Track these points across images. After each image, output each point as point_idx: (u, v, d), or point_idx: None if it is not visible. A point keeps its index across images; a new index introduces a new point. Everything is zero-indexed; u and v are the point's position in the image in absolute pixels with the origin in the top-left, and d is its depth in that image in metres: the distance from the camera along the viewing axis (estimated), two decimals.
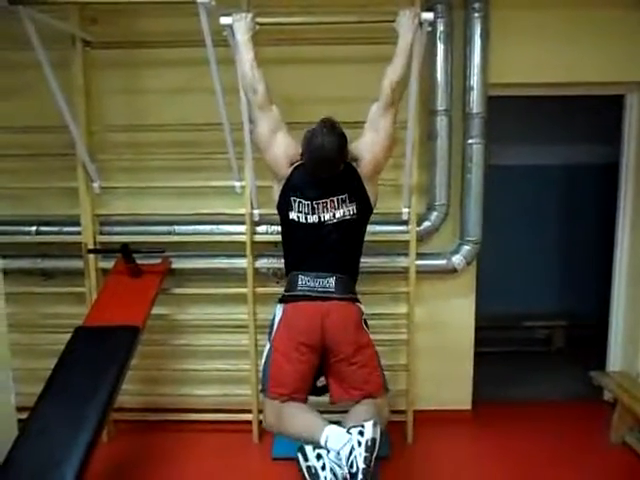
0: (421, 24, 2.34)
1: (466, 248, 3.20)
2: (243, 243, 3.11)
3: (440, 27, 2.95)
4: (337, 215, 2.19)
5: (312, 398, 2.30)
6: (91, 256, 3.14)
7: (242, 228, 3.12)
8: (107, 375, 2.41)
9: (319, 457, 1.83)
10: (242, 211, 3.10)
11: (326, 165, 2.16)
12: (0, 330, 2.41)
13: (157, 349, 3.32)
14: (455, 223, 3.24)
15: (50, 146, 3.13)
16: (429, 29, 2.49)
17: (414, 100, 2.65)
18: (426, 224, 3.19)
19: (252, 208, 3.11)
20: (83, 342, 2.58)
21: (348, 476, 1.77)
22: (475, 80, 3.01)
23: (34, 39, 2.47)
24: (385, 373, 3.25)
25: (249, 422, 3.25)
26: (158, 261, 3.10)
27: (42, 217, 3.22)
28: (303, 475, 1.85)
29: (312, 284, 2.20)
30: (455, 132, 3.11)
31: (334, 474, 1.81)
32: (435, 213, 3.18)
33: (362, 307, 2.31)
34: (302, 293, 2.21)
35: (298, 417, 2.08)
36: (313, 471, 1.82)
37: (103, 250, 3.17)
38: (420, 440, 3.22)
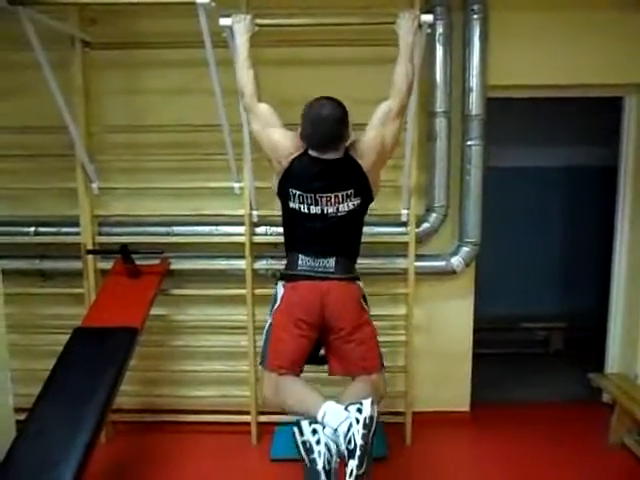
0: (420, 26, 2.34)
1: (465, 250, 3.20)
2: (242, 244, 3.11)
3: (439, 29, 2.95)
4: (341, 209, 2.17)
5: (311, 375, 2.32)
6: (90, 257, 3.14)
7: (241, 229, 3.12)
8: (105, 376, 2.41)
9: (314, 432, 1.84)
10: (241, 212, 3.10)
11: (328, 129, 2.10)
12: None
13: (156, 350, 3.31)
14: (454, 225, 3.25)
15: (49, 147, 3.13)
16: (428, 31, 2.49)
17: (413, 102, 2.64)
18: (425, 225, 3.19)
19: (251, 209, 3.11)
20: (82, 343, 2.57)
21: (346, 452, 1.79)
22: (474, 82, 3.02)
23: (33, 39, 2.47)
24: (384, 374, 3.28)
25: (247, 423, 3.25)
26: (157, 262, 3.10)
27: (41, 218, 3.22)
28: (298, 449, 1.86)
29: (312, 264, 2.21)
30: (454, 134, 3.11)
31: (328, 449, 1.82)
32: (434, 215, 3.18)
33: (361, 285, 2.32)
34: (302, 273, 2.21)
35: (296, 391, 2.11)
36: (308, 445, 1.83)
37: (102, 251, 3.17)
38: (418, 442, 3.22)
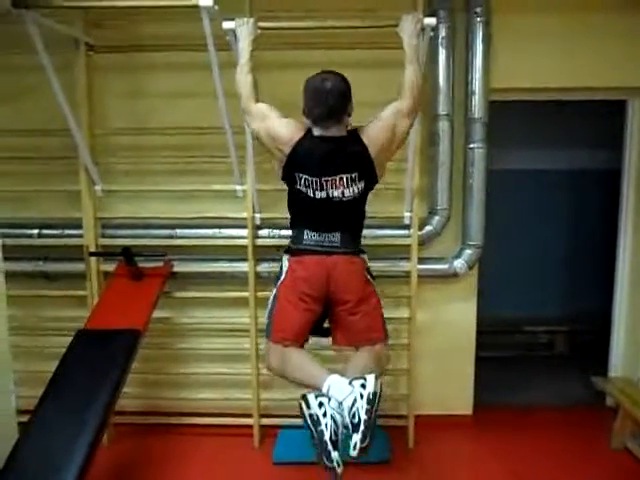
0: (423, 29, 2.34)
1: (468, 252, 3.19)
2: (245, 247, 3.11)
3: (442, 32, 2.95)
4: (346, 194, 2.16)
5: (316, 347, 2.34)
6: (93, 259, 3.15)
7: (244, 232, 3.12)
8: (108, 378, 2.41)
9: (321, 405, 1.87)
10: (244, 215, 3.10)
11: (331, 99, 2.08)
12: (1, 332, 2.40)
13: (158, 352, 3.32)
14: (457, 227, 3.24)
15: (53, 149, 3.14)
16: (431, 34, 2.49)
17: None
18: (428, 228, 3.19)
19: (254, 212, 3.11)
20: (84, 345, 2.58)
21: (350, 426, 1.83)
22: (477, 85, 3.02)
23: (38, 43, 2.48)
24: (386, 378, 3.28)
25: (250, 426, 3.24)
26: (160, 264, 3.10)
27: (44, 220, 3.23)
28: (306, 422, 1.89)
29: (317, 238, 2.22)
30: (457, 137, 3.11)
31: (334, 421, 1.86)
32: (437, 217, 3.18)
33: (366, 258, 2.33)
34: (308, 247, 2.22)
35: (301, 363, 2.13)
36: (315, 418, 1.86)
37: (104, 253, 3.17)
38: (421, 445, 3.21)
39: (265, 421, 3.29)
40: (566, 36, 3.06)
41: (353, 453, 1.83)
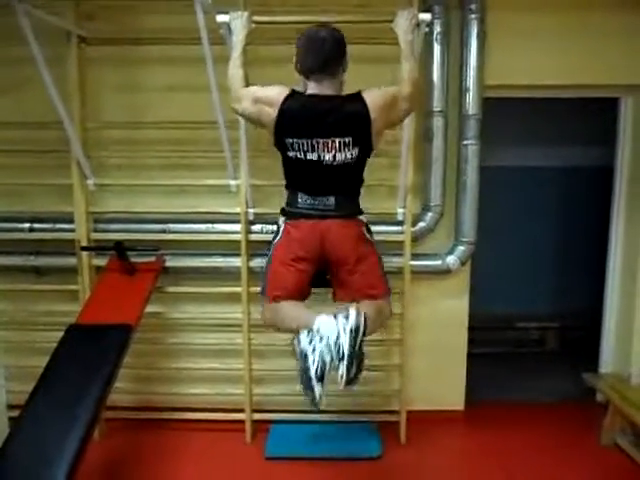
0: (418, 25, 2.34)
1: (461, 249, 3.20)
2: (238, 242, 3.10)
3: (437, 28, 2.95)
4: (338, 158, 2.12)
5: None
6: (85, 253, 3.12)
7: (237, 227, 3.11)
8: (100, 373, 2.40)
9: (310, 342, 1.92)
10: (237, 210, 3.09)
11: (326, 48, 2.05)
12: None
13: (150, 347, 3.31)
14: (450, 224, 3.25)
15: (44, 142, 3.11)
16: (426, 30, 2.48)
17: None
18: (421, 225, 3.20)
19: (247, 207, 3.10)
20: (76, 340, 2.56)
21: (337, 359, 1.88)
22: (471, 81, 3.02)
23: (29, 35, 2.45)
24: (378, 373, 3.29)
25: (242, 421, 3.24)
26: (152, 259, 3.09)
27: (36, 214, 3.20)
28: (296, 357, 1.96)
29: (312, 202, 2.20)
30: (451, 133, 3.12)
31: (322, 358, 1.90)
32: (430, 214, 3.18)
33: (363, 218, 2.31)
34: (303, 211, 2.21)
35: (292, 311, 2.17)
36: (304, 354, 1.92)
37: (96, 247, 3.15)
38: (413, 440, 3.22)
39: (257, 416, 3.29)
40: (560, 34, 3.06)
41: (340, 385, 1.90)
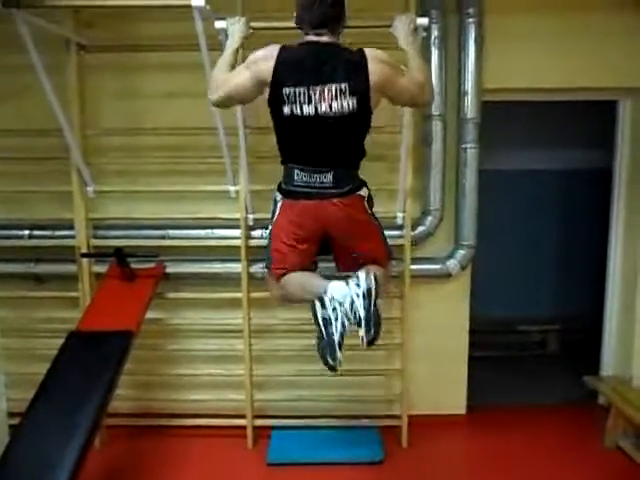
0: (416, 29, 2.34)
1: (461, 253, 3.20)
2: (238, 248, 3.10)
3: (435, 32, 2.96)
4: (334, 107, 2.02)
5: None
6: (85, 260, 3.13)
7: (237, 232, 3.11)
8: (100, 380, 2.39)
9: (334, 309, 1.95)
10: (237, 215, 3.10)
11: (324, 3, 2.01)
12: None
13: (151, 354, 3.30)
14: (450, 228, 3.25)
15: (44, 149, 3.12)
16: (424, 34, 2.50)
17: None
18: (421, 229, 3.20)
19: (247, 212, 3.10)
20: (76, 347, 2.56)
21: (355, 324, 1.94)
22: (469, 85, 3.03)
23: (29, 42, 2.46)
24: (379, 378, 3.29)
25: (243, 427, 3.23)
26: (152, 265, 3.09)
27: (35, 221, 3.20)
28: (317, 322, 1.97)
29: (308, 179, 2.13)
30: (450, 137, 3.12)
31: (343, 324, 1.94)
32: (430, 218, 3.18)
33: (364, 191, 2.24)
34: (299, 190, 2.15)
35: (300, 281, 2.17)
36: (328, 319, 1.94)
37: (96, 254, 3.15)
38: (414, 445, 3.21)
39: (258, 422, 3.28)
40: (558, 37, 3.07)
41: (363, 346, 1.95)
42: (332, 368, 1.98)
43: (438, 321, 3.34)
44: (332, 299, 1.97)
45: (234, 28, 2.30)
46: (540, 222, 4.87)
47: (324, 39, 2.06)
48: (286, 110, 2.04)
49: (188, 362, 3.34)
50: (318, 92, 2.01)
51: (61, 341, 2.59)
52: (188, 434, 3.27)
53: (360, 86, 2.02)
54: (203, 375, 3.33)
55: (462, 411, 3.47)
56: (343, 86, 2.01)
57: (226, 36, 2.34)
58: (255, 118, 2.83)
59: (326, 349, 1.96)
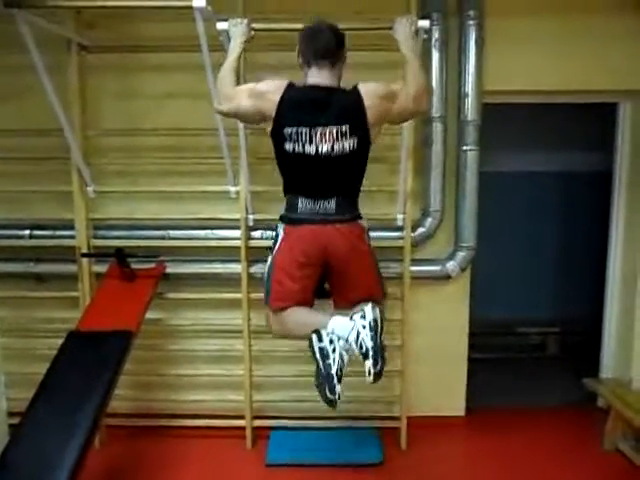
0: (417, 32, 2.35)
1: (460, 254, 3.21)
2: (238, 248, 3.11)
3: (435, 35, 2.96)
4: (336, 148, 2.11)
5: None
6: (85, 260, 3.13)
7: (237, 233, 3.12)
8: (100, 380, 2.40)
9: (331, 342, 1.97)
10: (237, 216, 3.10)
11: (328, 37, 2.12)
12: None
13: (151, 354, 3.30)
14: (450, 229, 3.25)
15: (45, 149, 3.12)
16: (425, 37, 2.50)
17: None
18: (421, 230, 3.20)
19: (247, 213, 3.11)
20: (76, 347, 2.56)
21: (361, 356, 1.95)
22: (470, 87, 3.03)
23: (30, 43, 2.47)
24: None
25: (242, 428, 3.23)
26: (152, 265, 3.09)
27: (36, 221, 3.21)
28: (314, 355, 1.98)
29: (312, 207, 2.20)
30: (450, 139, 3.13)
31: (341, 358, 1.96)
32: (430, 219, 3.19)
33: (363, 223, 2.31)
34: (303, 217, 2.20)
35: (301, 317, 2.18)
36: (325, 352, 1.96)
37: (96, 254, 3.16)
38: (414, 446, 3.21)
39: (258, 423, 3.28)
40: (558, 39, 3.08)
41: (369, 379, 1.95)
42: (331, 402, 1.97)
43: (438, 323, 3.34)
44: (331, 332, 1.98)
45: (236, 30, 2.32)
46: (540, 224, 4.88)
47: (325, 80, 2.15)
48: (288, 147, 2.14)
49: (188, 362, 3.34)
50: (319, 133, 2.11)
51: (61, 341, 2.59)
52: (187, 434, 3.27)
53: (360, 126, 2.13)
54: (203, 375, 3.33)
55: (461, 413, 3.47)
56: (344, 128, 2.11)
57: (228, 37, 2.36)
58: None
59: (324, 383, 1.96)
